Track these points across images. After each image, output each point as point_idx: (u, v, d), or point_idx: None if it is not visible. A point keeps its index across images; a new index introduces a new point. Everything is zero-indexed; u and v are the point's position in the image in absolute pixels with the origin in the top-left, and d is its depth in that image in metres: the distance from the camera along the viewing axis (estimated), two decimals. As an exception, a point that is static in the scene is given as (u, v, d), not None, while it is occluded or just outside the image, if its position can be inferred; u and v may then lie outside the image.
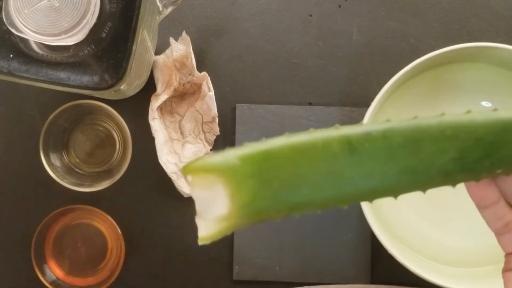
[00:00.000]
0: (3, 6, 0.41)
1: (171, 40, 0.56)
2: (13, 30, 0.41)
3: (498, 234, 0.32)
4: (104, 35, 0.43)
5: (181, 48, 0.56)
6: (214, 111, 0.57)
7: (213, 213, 0.27)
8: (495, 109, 0.30)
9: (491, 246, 0.57)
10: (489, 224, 0.32)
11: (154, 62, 0.56)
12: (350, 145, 0.26)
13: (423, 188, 0.28)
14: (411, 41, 0.60)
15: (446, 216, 0.57)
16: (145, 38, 0.49)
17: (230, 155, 0.27)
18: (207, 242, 0.28)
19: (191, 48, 0.56)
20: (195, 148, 0.57)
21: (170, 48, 0.56)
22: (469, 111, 0.29)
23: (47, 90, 0.47)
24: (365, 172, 0.26)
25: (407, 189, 0.28)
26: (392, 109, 0.57)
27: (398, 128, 0.27)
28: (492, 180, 0.31)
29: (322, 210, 0.28)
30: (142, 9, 0.44)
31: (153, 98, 0.56)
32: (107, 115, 0.56)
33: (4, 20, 0.41)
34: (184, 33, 0.57)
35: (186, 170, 0.27)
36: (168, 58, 0.56)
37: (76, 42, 0.42)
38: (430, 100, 0.57)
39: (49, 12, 0.40)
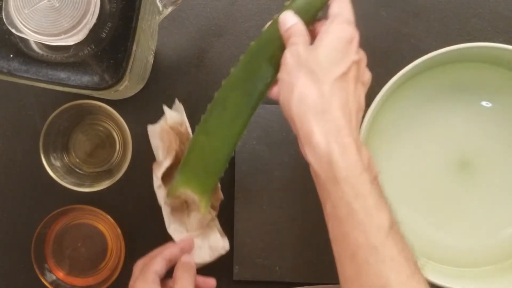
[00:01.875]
0: (3, 6, 0.41)
1: (165, 108, 0.55)
2: (13, 30, 0.41)
3: None
4: (104, 35, 0.43)
5: (175, 115, 0.55)
6: None
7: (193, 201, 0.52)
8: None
9: (491, 246, 0.57)
10: None
11: (151, 131, 0.56)
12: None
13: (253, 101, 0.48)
14: (411, 41, 0.60)
15: (446, 216, 0.57)
16: (145, 38, 0.49)
17: (176, 179, 0.52)
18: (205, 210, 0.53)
19: (185, 115, 0.55)
20: (200, 215, 0.56)
21: (164, 116, 0.55)
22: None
23: (47, 90, 0.47)
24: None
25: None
26: (392, 109, 0.57)
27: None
28: None
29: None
30: (142, 9, 0.44)
31: (155, 166, 0.55)
32: (107, 115, 0.56)
33: (4, 20, 0.41)
34: (177, 101, 0.57)
35: (169, 195, 0.53)
36: (165, 125, 0.55)
37: (76, 42, 0.42)
38: (430, 100, 0.57)
39: (49, 12, 0.40)
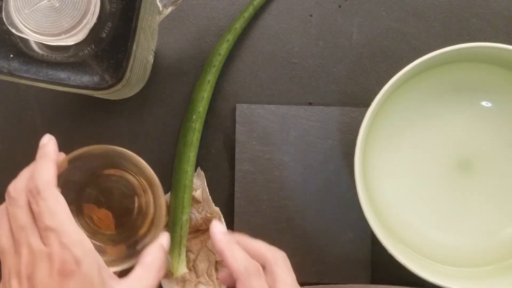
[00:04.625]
0: (3, 6, 0.41)
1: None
2: (13, 30, 0.41)
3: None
4: (104, 35, 0.43)
5: (197, 183, 0.57)
6: None
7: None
8: None
9: (491, 246, 0.57)
10: None
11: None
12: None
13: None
14: (411, 41, 0.60)
15: (446, 216, 0.57)
16: (145, 38, 0.49)
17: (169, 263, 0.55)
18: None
19: (205, 182, 0.57)
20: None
21: None
22: None
23: (47, 90, 0.47)
24: None
25: None
26: (392, 109, 0.57)
27: None
28: None
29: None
30: (142, 9, 0.44)
31: None
32: (132, 163, 0.51)
33: (4, 20, 0.41)
34: (199, 169, 0.58)
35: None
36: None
37: (76, 42, 0.42)
38: (430, 100, 0.57)
39: (49, 12, 0.40)
